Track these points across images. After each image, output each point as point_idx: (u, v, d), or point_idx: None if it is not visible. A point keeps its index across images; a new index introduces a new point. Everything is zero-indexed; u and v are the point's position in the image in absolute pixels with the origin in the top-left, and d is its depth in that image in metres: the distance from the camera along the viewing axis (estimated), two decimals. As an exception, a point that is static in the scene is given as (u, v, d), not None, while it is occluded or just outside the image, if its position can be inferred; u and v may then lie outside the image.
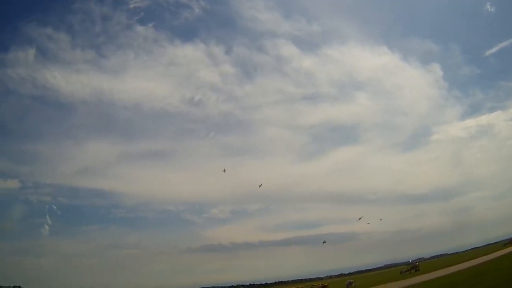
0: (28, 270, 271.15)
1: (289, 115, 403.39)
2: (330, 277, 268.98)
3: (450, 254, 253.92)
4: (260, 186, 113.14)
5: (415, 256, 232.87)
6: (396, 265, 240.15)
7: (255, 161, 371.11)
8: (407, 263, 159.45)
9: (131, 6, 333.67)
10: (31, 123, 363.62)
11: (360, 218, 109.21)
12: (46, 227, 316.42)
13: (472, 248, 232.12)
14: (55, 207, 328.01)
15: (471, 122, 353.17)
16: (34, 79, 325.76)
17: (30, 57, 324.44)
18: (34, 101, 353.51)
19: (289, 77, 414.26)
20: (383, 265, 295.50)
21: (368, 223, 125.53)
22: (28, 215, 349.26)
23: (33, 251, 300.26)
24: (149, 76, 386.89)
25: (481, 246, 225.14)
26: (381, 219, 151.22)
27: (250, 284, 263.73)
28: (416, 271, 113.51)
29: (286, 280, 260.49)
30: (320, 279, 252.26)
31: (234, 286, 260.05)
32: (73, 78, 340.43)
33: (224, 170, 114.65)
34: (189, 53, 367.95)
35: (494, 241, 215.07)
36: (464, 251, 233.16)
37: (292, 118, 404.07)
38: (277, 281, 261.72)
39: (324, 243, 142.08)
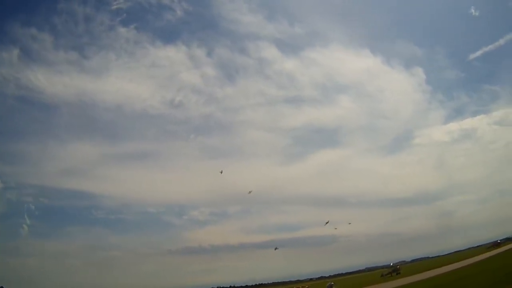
0: (11, 270, 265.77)
1: (271, 118, 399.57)
2: (311, 279, 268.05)
3: (431, 257, 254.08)
4: (250, 192, 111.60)
5: (397, 259, 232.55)
6: (377, 268, 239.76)
7: (237, 163, 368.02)
8: (388, 266, 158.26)
9: (114, 7, 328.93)
10: (14, 124, 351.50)
11: (326, 223, 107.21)
12: (29, 227, 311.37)
13: (455, 251, 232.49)
14: (37, 208, 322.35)
15: (454, 125, 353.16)
16: (18, 79, 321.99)
17: (14, 57, 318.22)
18: (17, 101, 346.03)
19: (271, 79, 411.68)
20: (364, 268, 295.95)
21: (336, 228, 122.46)
22: (10, 216, 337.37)
23: (16, 251, 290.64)
24: (130, 78, 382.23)
25: (464, 250, 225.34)
26: (349, 223, 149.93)
27: (230, 286, 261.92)
28: (397, 274, 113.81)
29: (266, 282, 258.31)
30: (300, 281, 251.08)
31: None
32: (56, 79, 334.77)
33: (221, 172, 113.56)
34: (171, 54, 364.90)
35: (477, 245, 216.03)
36: (446, 254, 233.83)
37: (274, 120, 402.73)
38: (258, 283, 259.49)
39: (276, 249, 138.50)
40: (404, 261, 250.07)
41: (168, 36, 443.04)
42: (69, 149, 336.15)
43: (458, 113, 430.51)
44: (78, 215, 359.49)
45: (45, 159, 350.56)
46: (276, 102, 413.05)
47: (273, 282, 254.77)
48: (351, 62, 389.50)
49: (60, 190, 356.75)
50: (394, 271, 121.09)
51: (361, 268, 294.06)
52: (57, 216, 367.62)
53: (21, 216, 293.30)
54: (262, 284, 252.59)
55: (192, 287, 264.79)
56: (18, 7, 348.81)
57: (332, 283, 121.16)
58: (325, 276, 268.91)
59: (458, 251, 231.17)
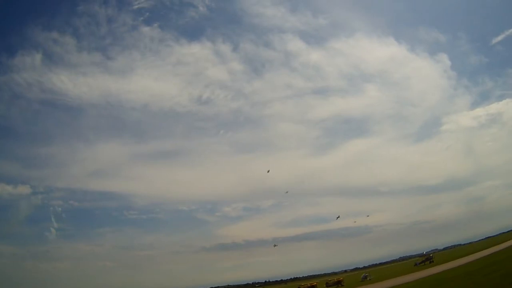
0: (43, 274, 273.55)
1: (299, 110, 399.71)
2: (345, 271, 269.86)
3: (464, 244, 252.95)
4: (287, 192, 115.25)
5: (429, 247, 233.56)
6: (410, 257, 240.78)
7: (267, 157, 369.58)
8: (421, 255, 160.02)
9: (135, 7, 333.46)
10: (40, 128, 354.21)
11: (338, 218, 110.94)
12: (59, 231, 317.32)
13: (486, 238, 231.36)
14: (67, 211, 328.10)
15: (480, 111, 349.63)
16: (41, 83, 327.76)
17: (37, 61, 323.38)
18: (43, 105, 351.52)
19: (298, 71, 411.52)
20: (397, 257, 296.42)
21: (355, 221, 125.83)
22: (40, 220, 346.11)
23: (47, 255, 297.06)
24: (156, 76, 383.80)
25: (496, 235, 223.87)
26: (368, 216, 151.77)
27: (265, 281, 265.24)
28: (430, 262, 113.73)
29: (301, 276, 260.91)
30: (335, 273, 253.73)
31: (250, 284, 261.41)
32: (80, 81, 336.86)
33: (268, 171, 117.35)
34: (196, 51, 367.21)
35: (509, 230, 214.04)
36: (478, 240, 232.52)
37: (302, 112, 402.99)
38: (292, 277, 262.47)
39: (275, 246, 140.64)
40: (436, 249, 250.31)
41: (192, 33, 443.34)
42: (97, 150, 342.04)
43: (483, 98, 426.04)
44: (108, 216, 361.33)
45: (73, 162, 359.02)
46: (304, 94, 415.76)
47: (308, 275, 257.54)
48: (376, 50, 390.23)
49: (89, 192, 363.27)
50: (427, 259, 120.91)
51: (395, 258, 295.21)
52: (87, 219, 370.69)
53: (50, 220, 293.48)
54: (297, 277, 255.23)
55: (227, 283, 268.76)
56: (37, 12, 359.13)
57: (367, 274, 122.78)
58: (359, 267, 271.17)
59: (490, 236, 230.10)
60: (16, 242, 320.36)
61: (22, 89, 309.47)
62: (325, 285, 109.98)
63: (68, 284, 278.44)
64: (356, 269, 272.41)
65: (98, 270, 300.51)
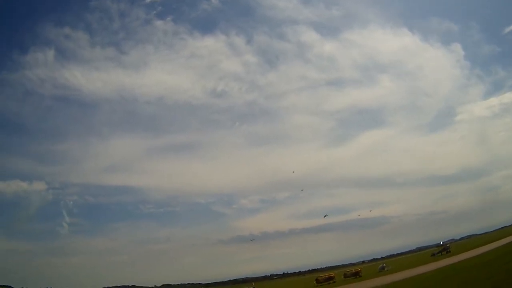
0: (59, 269, 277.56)
1: (314, 101, 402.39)
2: (363, 262, 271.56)
3: (480, 234, 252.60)
4: (293, 172, 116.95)
5: (446, 237, 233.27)
6: (427, 247, 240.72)
7: (282, 149, 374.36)
8: (438, 245, 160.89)
9: (148, 1, 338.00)
10: (55, 124, 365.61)
11: (325, 216, 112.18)
12: (75, 226, 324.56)
13: (502, 227, 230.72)
14: (83, 206, 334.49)
15: (494, 100, 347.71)
16: (54, 79, 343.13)
17: (49, 57, 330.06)
18: (56, 101, 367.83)
19: (312, 63, 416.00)
20: (414, 248, 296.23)
21: (359, 215, 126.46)
22: (56, 216, 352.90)
23: (64, 250, 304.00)
24: (170, 70, 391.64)
25: (511, 225, 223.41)
26: (370, 210, 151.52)
27: (283, 273, 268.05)
28: (447, 252, 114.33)
29: (319, 267, 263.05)
30: (352, 264, 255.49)
31: (268, 275, 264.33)
32: (94, 76, 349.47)
33: (293, 172, 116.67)
34: (210, 44, 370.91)
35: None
36: (494, 230, 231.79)
37: (317, 104, 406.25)
38: (310, 268, 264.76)
39: (252, 240, 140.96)
40: (453, 239, 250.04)
41: (206, 25, 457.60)
42: (112, 145, 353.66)
43: (497, 88, 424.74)
44: (124, 210, 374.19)
45: (88, 157, 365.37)
46: (318, 85, 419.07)
47: (326, 267, 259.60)
48: (389, 41, 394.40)
49: (104, 187, 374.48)
50: (444, 249, 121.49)
51: (412, 248, 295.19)
52: (103, 213, 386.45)
53: (66, 216, 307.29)
54: (315, 269, 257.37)
55: (244, 275, 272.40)
56: (49, 8, 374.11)
57: (384, 264, 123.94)
58: (377, 258, 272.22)
59: (505, 226, 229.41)
60: (32, 238, 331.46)
61: (35, 85, 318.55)
62: (343, 276, 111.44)
63: (84, 278, 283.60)
64: (373, 260, 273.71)
65: (114, 264, 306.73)
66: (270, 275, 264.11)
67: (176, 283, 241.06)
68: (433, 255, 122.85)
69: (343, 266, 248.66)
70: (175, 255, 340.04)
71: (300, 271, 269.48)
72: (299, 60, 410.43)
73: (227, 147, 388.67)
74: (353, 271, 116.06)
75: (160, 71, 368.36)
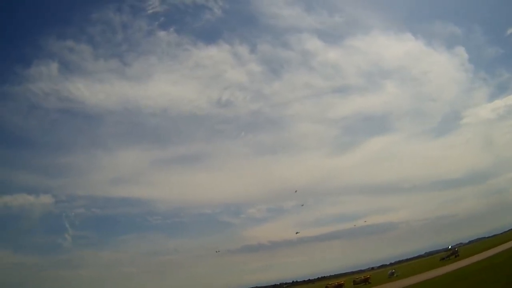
0: (67, 283, 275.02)
1: (319, 109, 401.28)
2: (372, 268, 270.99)
3: (488, 237, 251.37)
4: (296, 192, 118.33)
5: (454, 241, 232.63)
6: (436, 252, 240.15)
7: (288, 157, 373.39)
8: (446, 250, 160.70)
9: (150, 12, 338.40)
10: (60, 137, 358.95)
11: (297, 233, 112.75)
12: (82, 239, 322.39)
13: (510, 229, 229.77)
14: (90, 219, 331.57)
15: (499, 102, 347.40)
16: (58, 92, 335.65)
17: (53, 70, 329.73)
18: (60, 114, 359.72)
19: (316, 71, 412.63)
20: (423, 253, 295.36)
21: (365, 221, 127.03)
22: (63, 229, 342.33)
23: (71, 263, 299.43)
24: (175, 80, 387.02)
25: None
26: (365, 221, 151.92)
27: (293, 281, 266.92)
28: (455, 256, 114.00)
29: (328, 275, 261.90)
30: (362, 271, 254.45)
31: (277, 284, 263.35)
32: (97, 89, 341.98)
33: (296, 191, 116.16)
34: (214, 54, 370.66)
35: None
36: (502, 233, 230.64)
37: (322, 111, 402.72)
38: (319, 276, 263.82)
39: (218, 252, 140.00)
40: (461, 243, 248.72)
41: (209, 36, 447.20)
42: (117, 157, 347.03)
43: (501, 90, 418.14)
44: (132, 222, 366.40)
45: (94, 169, 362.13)
46: (323, 93, 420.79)
47: (335, 274, 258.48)
48: (393, 47, 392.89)
49: (111, 199, 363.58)
50: (452, 253, 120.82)
51: (421, 253, 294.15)
52: (110, 225, 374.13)
53: (73, 229, 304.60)
54: (324, 276, 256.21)
55: (253, 284, 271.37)
56: (51, 21, 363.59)
57: (393, 270, 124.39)
58: (386, 264, 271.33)
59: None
60: (39, 252, 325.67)
61: (39, 99, 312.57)
62: (352, 283, 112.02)
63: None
64: (382, 266, 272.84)
65: (122, 276, 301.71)
66: (280, 283, 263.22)
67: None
68: (442, 259, 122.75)
69: (352, 273, 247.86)
70: (183, 266, 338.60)
71: (309, 279, 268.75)
72: (303, 68, 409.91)
73: (233, 157, 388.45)
74: (363, 277, 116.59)
75: (164, 82, 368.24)
